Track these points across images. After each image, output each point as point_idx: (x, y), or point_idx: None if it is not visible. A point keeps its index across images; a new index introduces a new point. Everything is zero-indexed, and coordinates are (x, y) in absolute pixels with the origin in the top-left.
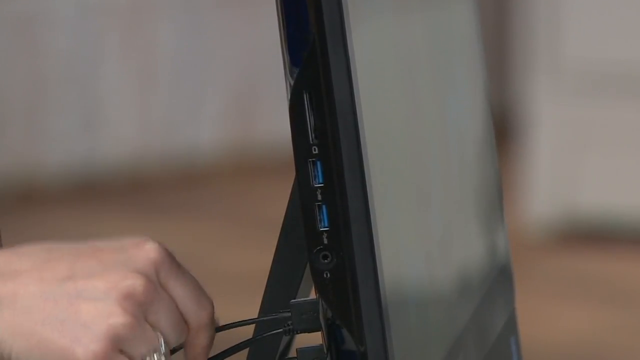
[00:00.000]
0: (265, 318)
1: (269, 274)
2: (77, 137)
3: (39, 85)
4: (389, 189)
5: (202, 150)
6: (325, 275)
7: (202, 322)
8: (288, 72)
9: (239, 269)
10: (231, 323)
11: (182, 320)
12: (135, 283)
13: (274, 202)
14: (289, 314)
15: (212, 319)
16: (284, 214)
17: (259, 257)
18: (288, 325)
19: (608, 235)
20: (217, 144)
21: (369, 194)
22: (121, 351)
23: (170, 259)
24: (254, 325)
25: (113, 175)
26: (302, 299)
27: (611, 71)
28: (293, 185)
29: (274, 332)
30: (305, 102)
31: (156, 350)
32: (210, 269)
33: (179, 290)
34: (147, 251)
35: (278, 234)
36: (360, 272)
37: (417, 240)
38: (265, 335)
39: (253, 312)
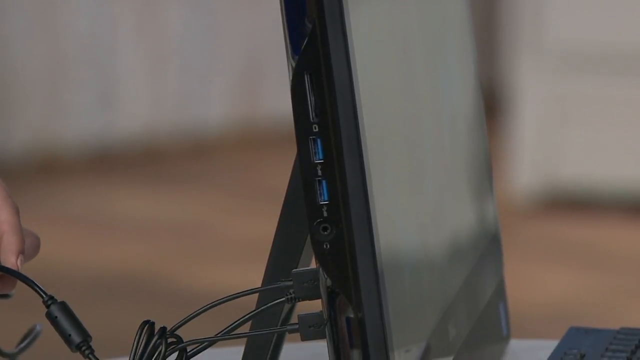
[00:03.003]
0: (268, 287)
1: (271, 245)
2: (94, 113)
3: (59, 64)
4: (385, 164)
5: (210, 124)
6: (325, 247)
7: None
8: (290, 54)
9: (245, 236)
10: (236, 294)
11: None
12: None
13: (277, 173)
14: (291, 283)
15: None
16: (286, 185)
17: (263, 225)
18: (290, 293)
19: (588, 203)
20: (224, 119)
21: (366, 169)
22: None
23: None
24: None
25: (127, 148)
26: (303, 269)
27: (590, 51)
28: (295, 160)
29: (277, 301)
30: (306, 83)
31: None
32: (218, 235)
33: None
34: None
35: (280, 203)
36: (358, 243)
37: (411, 212)
38: (269, 304)
39: (258, 275)
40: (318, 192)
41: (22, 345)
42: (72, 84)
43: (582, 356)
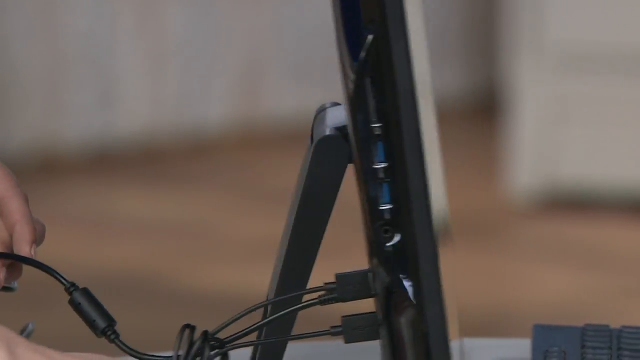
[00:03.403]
0: (309, 290)
1: (284, 255)
2: (94, 112)
3: (59, 64)
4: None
5: (210, 124)
6: (386, 249)
7: None
8: (347, 60)
9: (245, 235)
10: (276, 298)
11: None
12: None
13: (278, 173)
14: (334, 286)
15: None
16: (286, 184)
17: (263, 224)
18: (324, 295)
19: (587, 203)
20: (224, 118)
21: (427, 172)
22: None
23: None
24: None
25: (127, 147)
26: (347, 272)
27: (589, 51)
28: (303, 167)
29: (310, 302)
30: (368, 87)
31: None
32: (218, 235)
33: None
34: None
35: (280, 202)
36: (420, 244)
37: None
38: (300, 306)
39: (259, 274)
40: (380, 195)
41: None
42: (72, 84)
43: (564, 353)
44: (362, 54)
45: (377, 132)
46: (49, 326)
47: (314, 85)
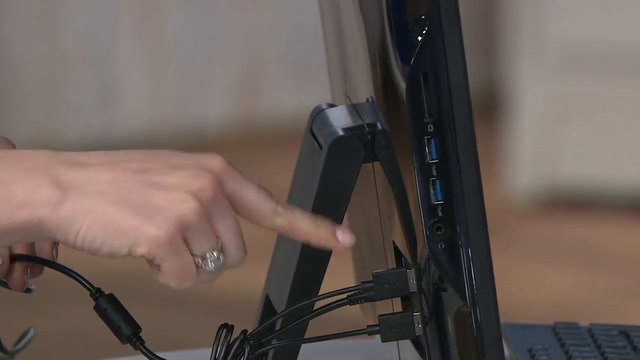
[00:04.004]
0: (350, 288)
1: (298, 258)
2: (94, 112)
3: (59, 64)
4: None
5: (210, 124)
6: (440, 246)
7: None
8: (397, 57)
9: (246, 234)
10: (326, 305)
11: (242, 239)
12: (206, 181)
13: (277, 171)
14: (372, 285)
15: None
16: (287, 182)
17: None
18: (355, 295)
19: (587, 202)
20: (224, 118)
21: (479, 167)
22: (185, 240)
23: (236, 172)
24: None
25: (127, 147)
26: (383, 270)
27: (589, 51)
28: (321, 171)
29: (338, 302)
30: (421, 83)
31: (215, 249)
32: None
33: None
34: (216, 161)
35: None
36: (474, 241)
37: None
38: (332, 305)
39: (261, 273)
40: (432, 192)
41: (18, 347)
42: (72, 83)
43: (546, 350)
44: (415, 49)
45: (430, 128)
46: (48, 323)
47: (313, 85)
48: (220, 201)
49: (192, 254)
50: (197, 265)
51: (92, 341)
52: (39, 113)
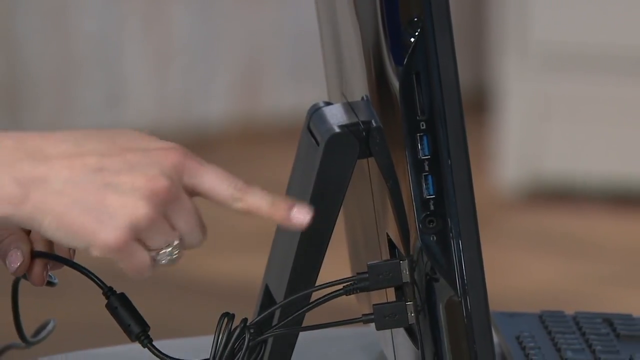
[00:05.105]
0: (345, 279)
1: (296, 251)
2: (102, 110)
3: (69, 64)
4: None
5: (212, 121)
6: (432, 239)
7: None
8: (391, 57)
9: (248, 227)
10: (325, 296)
11: (200, 224)
12: (159, 184)
13: (277, 165)
14: (367, 275)
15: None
16: (286, 176)
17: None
18: (350, 285)
19: (570, 195)
20: (226, 115)
21: (469, 163)
22: (138, 240)
23: (193, 163)
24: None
25: None
26: (378, 262)
27: (571, 52)
28: (317, 169)
29: (335, 293)
30: (414, 82)
31: (170, 244)
32: (222, 227)
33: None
34: (172, 157)
35: (280, 193)
36: (464, 234)
37: None
38: (329, 296)
39: (262, 264)
40: (424, 186)
41: (38, 338)
42: (81, 83)
43: (533, 337)
44: (408, 50)
45: (423, 125)
46: (63, 310)
47: (311, 84)
48: (174, 200)
49: (148, 248)
50: (153, 258)
51: (107, 328)
52: (49, 111)
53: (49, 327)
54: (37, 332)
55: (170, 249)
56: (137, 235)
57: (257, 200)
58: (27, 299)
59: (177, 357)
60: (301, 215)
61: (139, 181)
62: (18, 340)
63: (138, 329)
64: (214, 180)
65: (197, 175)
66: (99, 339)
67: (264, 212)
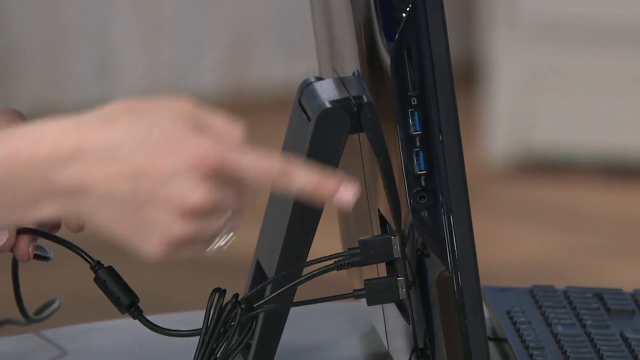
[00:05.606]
0: (337, 254)
1: (287, 227)
2: (91, 82)
3: (59, 36)
4: None
5: (202, 93)
6: (423, 214)
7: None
8: (382, 32)
9: None
10: (317, 270)
11: (243, 210)
12: (194, 199)
13: (268, 136)
14: (358, 251)
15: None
16: (270, 146)
17: None
18: (341, 260)
19: (560, 166)
20: (215, 87)
21: (461, 138)
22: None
23: (231, 161)
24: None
25: None
26: (369, 237)
27: (560, 23)
28: (308, 144)
29: (326, 267)
30: (405, 57)
31: (212, 244)
32: None
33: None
34: (208, 161)
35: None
36: (455, 209)
37: None
38: (320, 271)
39: (252, 238)
40: (415, 162)
41: (42, 316)
42: (70, 55)
43: (524, 312)
44: (400, 25)
45: (414, 101)
46: (58, 282)
47: (299, 56)
48: (212, 208)
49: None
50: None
51: (106, 302)
52: (38, 83)
53: (54, 305)
54: (41, 309)
55: (216, 245)
56: (179, 247)
57: (301, 183)
58: (23, 273)
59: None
60: (347, 195)
61: (173, 199)
62: (19, 315)
63: (128, 301)
64: (254, 172)
65: (234, 172)
66: (97, 313)
67: (309, 193)
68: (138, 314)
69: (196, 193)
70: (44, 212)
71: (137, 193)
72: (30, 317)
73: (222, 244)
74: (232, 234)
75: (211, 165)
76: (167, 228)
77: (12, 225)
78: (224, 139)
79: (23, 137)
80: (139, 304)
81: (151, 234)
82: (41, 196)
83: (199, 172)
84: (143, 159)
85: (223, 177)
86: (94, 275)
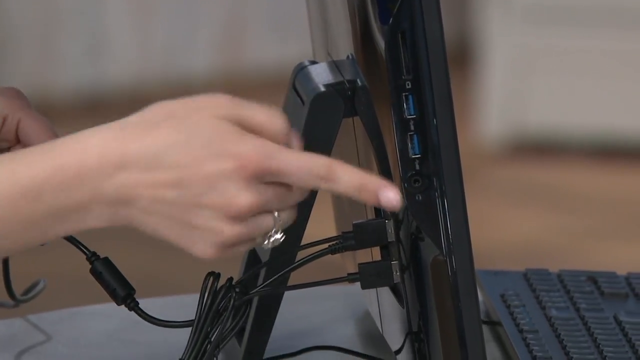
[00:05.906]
0: (332, 238)
1: None
2: (85, 61)
3: (52, 15)
4: None
5: (195, 73)
6: (417, 198)
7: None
8: (376, 16)
9: None
10: (310, 255)
11: (291, 206)
12: (240, 204)
13: None
14: (352, 235)
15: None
16: None
17: None
18: (335, 244)
19: (553, 148)
20: (209, 67)
21: (455, 122)
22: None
23: (272, 165)
24: None
25: (117, 95)
26: (363, 221)
27: (554, 4)
28: (304, 130)
29: (321, 251)
30: (399, 41)
31: (267, 238)
32: None
33: (284, 180)
34: (251, 166)
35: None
36: (449, 193)
37: None
38: (314, 255)
39: None
40: (410, 146)
41: (27, 297)
42: (64, 34)
43: (518, 295)
44: (394, 8)
45: (408, 85)
46: (51, 265)
47: (293, 37)
48: (258, 210)
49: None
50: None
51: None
52: (33, 62)
53: (39, 286)
54: (27, 291)
55: (267, 241)
56: (229, 248)
57: (346, 183)
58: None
59: (162, 316)
60: (390, 198)
61: (219, 204)
62: (6, 298)
63: (124, 292)
64: (299, 173)
65: (278, 175)
66: (87, 295)
67: (353, 193)
68: (134, 306)
69: (241, 196)
70: (94, 222)
71: (183, 200)
72: (18, 298)
73: (271, 243)
74: (281, 233)
75: (255, 168)
76: (215, 232)
77: (61, 236)
78: (267, 136)
79: (68, 150)
80: (134, 296)
81: (200, 238)
82: (90, 206)
83: (243, 175)
84: (186, 166)
85: (268, 179)
86: (90, 266)
